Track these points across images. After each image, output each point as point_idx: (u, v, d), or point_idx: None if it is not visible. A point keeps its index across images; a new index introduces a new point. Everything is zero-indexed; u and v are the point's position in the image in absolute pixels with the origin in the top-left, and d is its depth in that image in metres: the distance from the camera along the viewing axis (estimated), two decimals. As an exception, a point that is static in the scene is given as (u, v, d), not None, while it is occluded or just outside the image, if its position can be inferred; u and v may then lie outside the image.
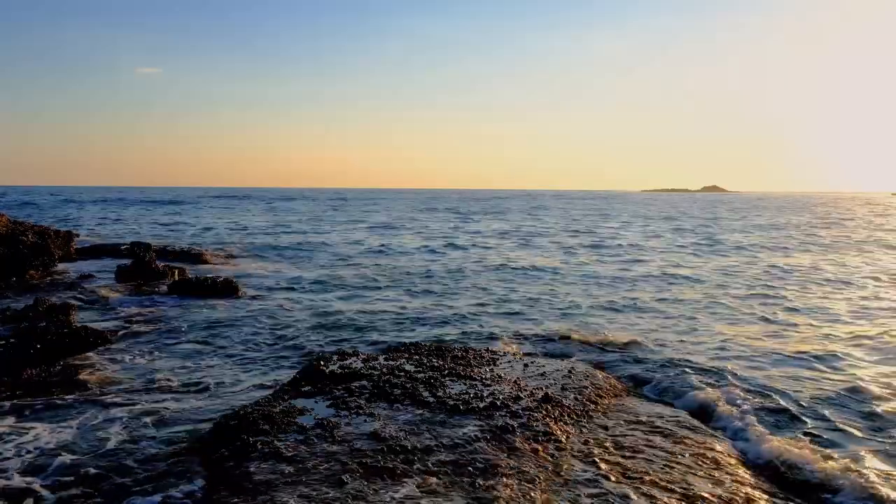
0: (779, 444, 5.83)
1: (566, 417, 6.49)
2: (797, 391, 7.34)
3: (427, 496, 4.78)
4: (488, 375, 7.70)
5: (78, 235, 22.01)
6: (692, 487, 5.10)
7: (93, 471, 5.37)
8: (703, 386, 7.52)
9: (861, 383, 7.69)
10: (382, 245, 26.51)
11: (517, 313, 12.44)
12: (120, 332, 10.24)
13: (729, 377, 7.90)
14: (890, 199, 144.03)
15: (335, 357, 8.27)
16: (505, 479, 5.04)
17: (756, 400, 7.09)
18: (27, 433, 6.17)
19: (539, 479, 5.08)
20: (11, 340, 8.04)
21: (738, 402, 6.98)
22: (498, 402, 6.64)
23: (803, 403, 6.97)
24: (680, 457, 5.74)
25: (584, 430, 6.26)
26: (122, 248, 20.02)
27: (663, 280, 16.93)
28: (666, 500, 4.87)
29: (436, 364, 7.99)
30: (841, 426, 6.36)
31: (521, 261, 21.53)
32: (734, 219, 51.31)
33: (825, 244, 27.92)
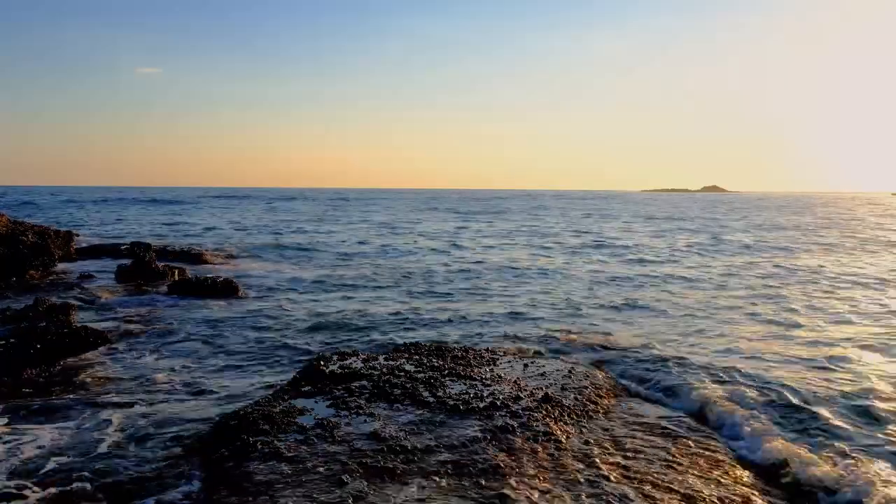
0: (779, 446, 5.81)
1: (566, 417, 6.49)
2: (800, 393, 7.29)
3: (427, 496, 4.77)
4: (488, 375, 7.70)
5: (78, 235, 22.03)
6: (692, 488, 5.09)
7: (89, 472, 5.36)
8: (705, 386, 7.50)
9: (866, 385, 7.62)
10: (383, 245, 26.51)
11: (518, 313, 12.43)
12: (120, 333, 10.24)
13: (731, 378, 7.85)
14: (890, 199, 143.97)
15: (335, 357, 8.27)
16: (505, 480, 5.04)
17: (758, 401, 7.05)
18: (24, 434, 6.16)
19: (539, 479, 5.08)
20: (11, 340, 8.04)
21: (739, 403, 6.96)
22: (498, 402, 6.64)
23: (806, 405, 6.92)
24: (680, 457, 5.73)
25: (584, 430, 6.26)
26: (122, 248, 20.02)
27: (667, 280, 16.91)
28: (666, 500, 4.86)
29: (436, 364, 7.99)
30: (844, 428, 6.31)
31: (523, 261, 21.52)
32: (736, 219, 51.30)
33: (830, 244, 27.82)
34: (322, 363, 7.88)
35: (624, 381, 8.07)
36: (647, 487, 5.04)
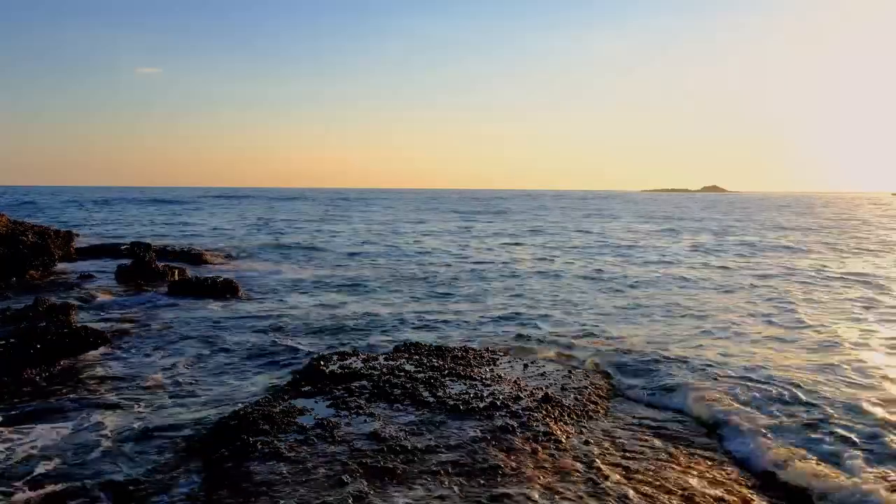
0: (777, 449, 5.78)
1: (566, 418, 6.49)
2: (802, 395, 7.21)
3: (427, 496, 4.77)
4: (488, 375, 7.70)
5: (78, 235, 22.01)
6: (692, 489, 5.10)
7: (88, 473, 5.36)
8: (705, 388, 7.43)
9: (870, 387, 7.51)
10: (383, 245, 26.51)
11: (520, 314, 12.43)
12: (120, 333, 10.24)
13: (732, 379, 7.77)
14: (891, 199, 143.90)
15: (335, 357, 8.27)
16: (505, 480, 5.04)
17: (759, 403, 6.99)
18: (24, 434, 6.16)
19: (539, 479, 5.08)
20: (11, 340, 8.04)
21: (740, 405, 6.92)
22: (498, 403, 6.64)
23: (807, 407, 6.83)
24: (679, 458, 5.74)
25: (584, 430, 6.26)
26: (122, 248, 20.03)
27: (670, 281, 16.86)
28: (666, 500, 4.86)
29: (436, 364, 7.99)
30: (846, 431, 6.22)
31: (525, 261, 21.52)
32: (739, 219, 51.28)
33: (835, 244, 27.62)
34: (322, 363, 7.89)
35: (625, 382, 8.05)
36: (647, 488, 5.04)
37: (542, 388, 7.31)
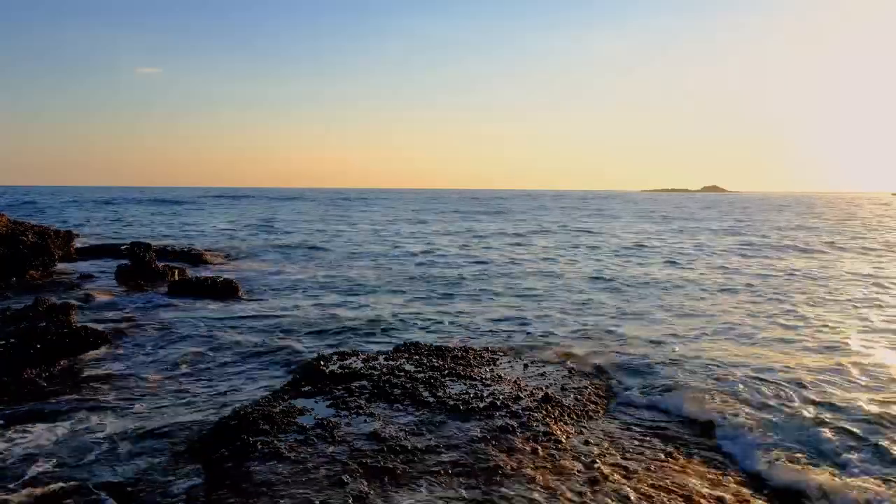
0: (774, 453, 5.73)
1: (566, 418, 6.49)
2: (806, 398, 7.13)
3: (427, 496, 4.77)
4: (488, 375, 7.71)
5: (78, 235, 22.02)
6: (692, 489, 5.10)
7: (88, 473, 5.36)
8: (706, 389, 7.34)
9: (874, 392, 7.39)
10: (384, 246, 26.51)
11: (521, 314, 12.43)
12: (119, 333, 10.24)
13: (734, 382, 7.66)
14: (891, 199, 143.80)
15: (335, 357, 8.27)
16: (505, 480, 5.05)
17: (758, 406, 6.88)
18: (23, 434, 6.16)
19: (539, 479, 5.08)
20: (11, 340, 8.04)
21: (740, 407, 6.82)
22: (498, 403, 6.65)
23: (810, 412, 6.73)
24: (679, 459, 5.74)
25: (584, 430, 6.27)
26: (122, 248, 20.01)
27: (674, 281, 16.84)
28: (666, 501, 4.87)
29: (436, 364, 7.99)
30: (846, 436, 6.14)
31: (527, 262, 21.51)
32: (742, 219, 51.26)
33: (845, 245, 27.34)
34: (322, 363, 7.89)
35: (625, 382, 8.05)
36: (647, 488, 5.05)
37: (542, 388, 7.32)
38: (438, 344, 9.41)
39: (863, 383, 7.78)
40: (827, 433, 6.16)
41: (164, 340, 9.94)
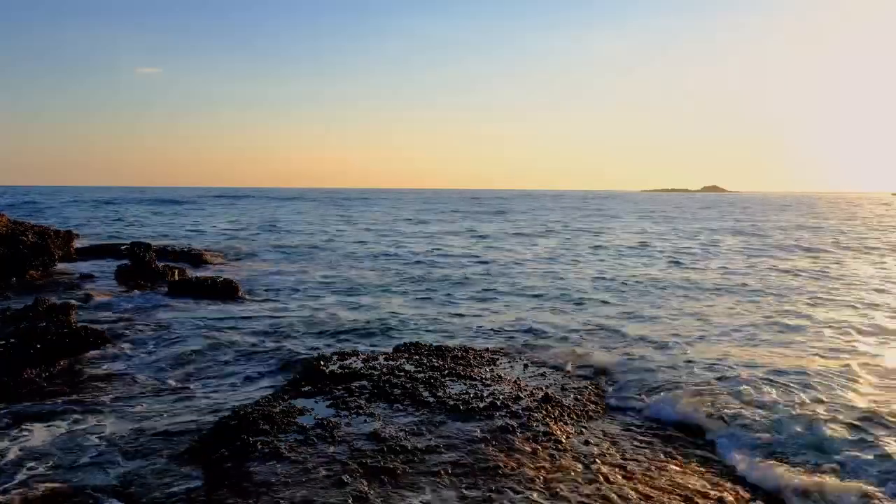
0: (770, 457, 5.65)
1: (566, 418, 6.49)
2: (807, 404, 6.93)
3: (427, 496, 4.77)
4: (488, 375, 7.71)
5: (78, 236, 22.02)
6: (691, 490, 5.10)
7: (88, 473, 5.36)
8: (704, 391, 7.24)
9: (877, 399, 7.11)
10: (384, 246, 26.51)
11: (522, 315, 12.42)
12: (119, 333, 10.24)
13: (733, 384, 7.52)
14: (891, 199, 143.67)
15: (335, 357, 8.27)
16: (505, 480, 5.04)
17: (757, 407, 6.79)
18: (23, 435, 6.16)
19: (539, 479, 5.08)
20: (11, 340, 8.04)
21: (738, 409, 6.68)
22: (498, 403, 6.65)
23: (808, 415, 6.54)
24: (678, 459, 5.75)
25: (584, 430, 6.26)
26: (122, 248, 20.01)
27: (678, 283, 16.77)
28: (666, 501, 4.87)
29: (436, 364, 7.99)
30: (842, 438, 6.01)
31: (529, 262, 21.50)
32: (744, 219, 51.24)
33: (850, 245, 27.03)
34: (322, 363, 7.89)
35: (626, 383, 8.03)
36: (647, 488, 5.05)
37: (542, 388, 7.31)
38: (438, 344, 9.41)
39: (867, 384, 7.71)
40: (829, 435, 6.06)
41: (164, 340, 9.94)
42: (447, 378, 7.46)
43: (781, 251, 25.02)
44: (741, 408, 6.79)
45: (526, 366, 8.43)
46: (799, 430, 6.22)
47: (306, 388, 7.13)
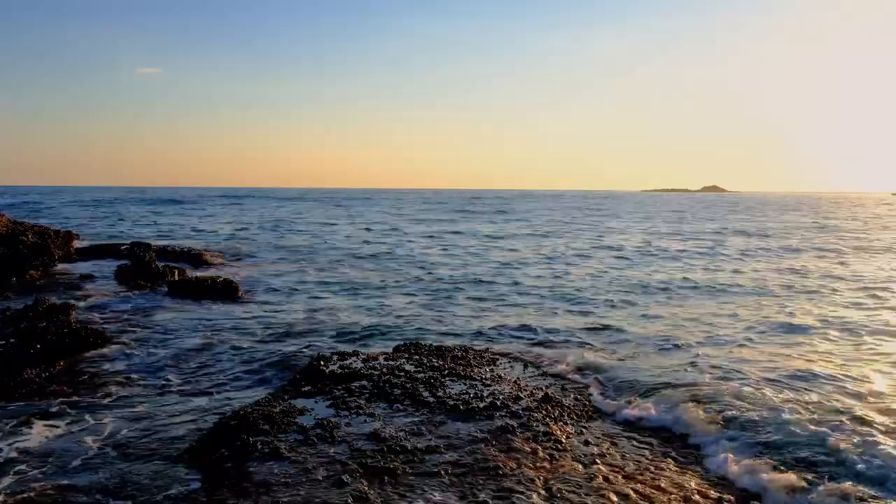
0: (771, 459, 5.58)
1: (566, 418, 6.49)
2: (809, 407, 6.81)
3: (427, 496, 4.77)
4: (488, 375, 7.71)
5: (78, 236, 22.01)
6: (690, 491, 5.10)
7: (88, 473, 5.36)
8: (709, 394, 7.14)
9: (866, 411, 6.83)
10: (385, 246, 26.50)
11: (522, 316, 12.43)
12: (119, 333, 10.24)
13: (742, 387, 7.43)
14: (892, 199, 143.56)
15: (335, 357, 8.27)
16: (505, 480, 5.04)
17: (761, 411, 6.68)
18: (23, 435, 6.16)
19: (539, 479, 5.08)
20: (11, 340, 8.04)
21: (742, 412, 6.56)
22: (498, 403, 6.65)
23: (813, 420, 6.42)
24: (678, 459, 5.75)
25: (584, 430, 6.26)
26: (122, 248, 20.01)
27: (682, 285, 16.71)
28: (666, 501, 4.86)
29: (436, 364, 7.99)
30: (839, 442, 5.86)
31: (529, 263, 21.49)
32: (748, 219, 51.21)
33: (860, 245, 26.90)
34: (322, 363, 7.88)
35: (628, 383, 8.01)
36: (647, 489, 5.05)
37: (542, 388, 7.31)
38: (438, 344, 9.41)
39: (870, 386, 7.62)
40: (829, 437, 5.98)
41: (164, 340, 9.94)
42: (447, 378, 7.46)
43: (786, 251, 25.00)
44: (741, 410, 6.72)
45: (526, 366, 8.43)
46: (802, 434, 6.13)
47: (306, 388, 7.13)
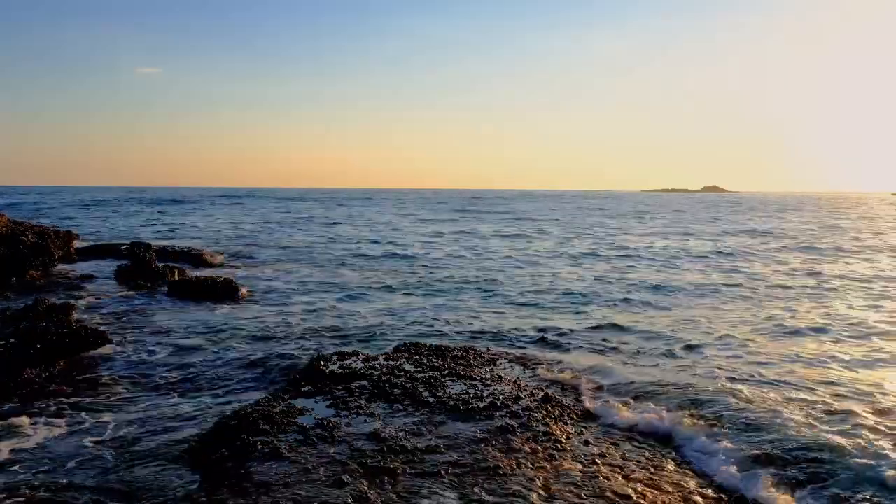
0: (742, 465, 5.52)
1: (566, 418, 6.49)
2: (811, 411, 6.74)
3: (427, 496, 4.77)
4: (488, 375, 7.70)
5: (78, 236, 22.01)
6: (689, 491, 5.10)
7: (88, 473, 5.36)
8: (710, 395, 7.09)
9: (866, 412, 6.75)
10: (386, 247, 26.50)
11: (522, 316, 12.42)
12: (119, 333, 10.24)
13: (744, 389, 7.39)
14: (893, 199, 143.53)
15: (335, 357, 8.27)
16: (505, 480, 5.04)
17: (763, 413, 6.60)
18: (23, 435, 6.16)
19: (539, 479, 5.08)
20: (11, 340, 8.03)
21: (743, 414, 6.50)
22: (498, 403, 6.64)
23: (793, 429, 6.21)
24: (677, 461, 5.75)
25: (584, 431, 6.26)
26: (122, 248, 20.00)
27: (684, 287, 16.57)
28: (666, 501, 4.86)
29: (436, 364, 7.99)
30: (835, 447, 5.76)
31: (529, 263, 21.48)
32: (750, 219, 51.19)
33: (861, 246, 26.76)
34: (322, 363, 7.88)
35: (628, 383, 8.00)
36: (646, 489, 5.04)
37: (542, 388, 7.31)
38: (438, 344, 9.40)
39: (872, 387, 7.58)
40: (831, 441, 5.92)
41: (164, 341, 9.94)
42: (447, 378, 7.46)
43: (788, 251, 24.98)
44: (741, 411, 6.68)
45: (526, 366, 8.43)
46: (798, 433, 6.09)
47: (306, 388, 7.13)
